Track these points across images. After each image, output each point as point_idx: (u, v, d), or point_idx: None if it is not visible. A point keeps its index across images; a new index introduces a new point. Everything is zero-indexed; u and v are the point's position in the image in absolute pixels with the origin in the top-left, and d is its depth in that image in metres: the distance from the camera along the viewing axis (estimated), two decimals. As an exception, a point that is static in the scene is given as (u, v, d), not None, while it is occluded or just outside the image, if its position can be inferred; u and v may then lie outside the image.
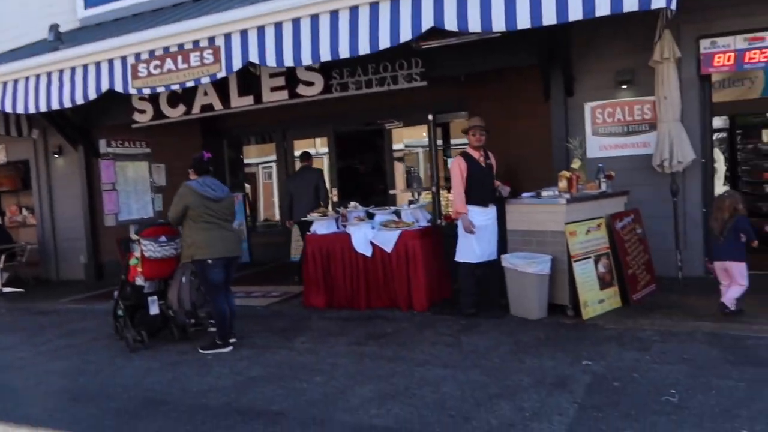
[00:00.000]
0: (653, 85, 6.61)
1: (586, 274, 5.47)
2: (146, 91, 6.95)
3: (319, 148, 11.35)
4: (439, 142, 10.04)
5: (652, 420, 3.28)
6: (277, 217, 11.52)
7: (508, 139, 7.84)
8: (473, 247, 5.72)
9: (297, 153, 10.92)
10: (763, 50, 6.30)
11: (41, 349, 5.92)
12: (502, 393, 3.79)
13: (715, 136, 8.45)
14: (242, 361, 4.91)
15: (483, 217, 5.75)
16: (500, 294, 5.93)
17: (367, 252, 6.16)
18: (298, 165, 10.88)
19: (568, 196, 5.49)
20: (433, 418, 3.49)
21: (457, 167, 5.71)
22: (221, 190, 5.34)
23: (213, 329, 5.52)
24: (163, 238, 5.55)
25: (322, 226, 6.54)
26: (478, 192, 5.72)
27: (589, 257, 5.54)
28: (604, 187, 5.95)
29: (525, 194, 5.94)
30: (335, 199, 10.35)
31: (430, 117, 9.52)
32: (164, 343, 5.65)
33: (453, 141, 11.63)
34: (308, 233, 6.65)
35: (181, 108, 8.86)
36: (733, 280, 5.13)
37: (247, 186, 11.80)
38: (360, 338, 5.32)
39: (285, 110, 9.85)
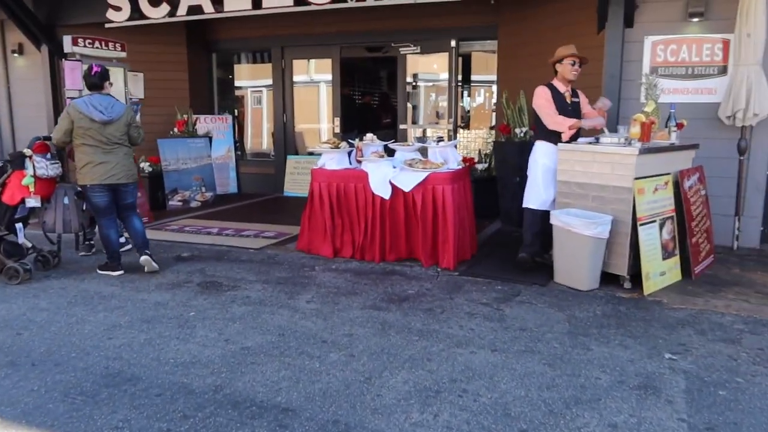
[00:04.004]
0: (730, 21, 5.57)
1: (650, 241, 4.57)
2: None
3: (315, 73, 10.13)
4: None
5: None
6: (266, 146, 10.40)
7: (546, 75, 6.76)
8: (540, 191, 4.92)
9: (297, 77, 9.71)
10: None
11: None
12: (579, 397, 2.92)
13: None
14: (234, 323, 3.96)
15: (552, 158, 4.95)
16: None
17: (386, 194, 5.16)
18: (298, 90, 9.72)
19: (639, 145, 4.50)
20: None
21: (541, 94, 4.95)
22: (111, 111, 4.88)
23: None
24: (49, 155, 5.04)
25: (332, 160, 5.49)
26: (555, 131, 4.92)
27: (654, 221, 4.63)
28: (673, 137, 4.97)
29: (582, 139, 4.95)
30: (337, 130, 9.24)
31: (453, 44, 8.36)
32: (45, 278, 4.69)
33: (474, 77, 10.52)
34: (314, 167, 5.61)
35: (165, 8, 7.54)
36: None
37: (237, 111, 10.59)
38: (378, 300, 4.40)
39: (286, 22, 8.61)
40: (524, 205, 5.10)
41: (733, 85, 5.56)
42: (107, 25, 8.03)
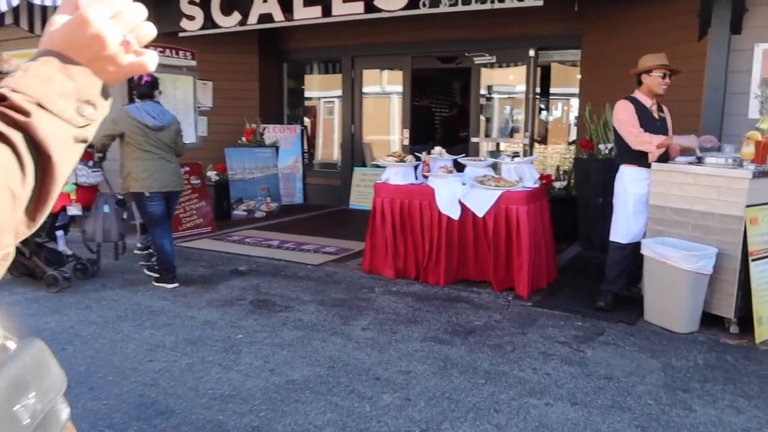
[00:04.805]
0: None
1: (764, 279, 3.90)
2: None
3: (386, 84, 9.83)
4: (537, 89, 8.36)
5: None
6: (336, 157, 10.18)
7: (633, 87, 6.12)
8: (630, 223, 4.30)
9: (366, 88, 9.45)
10: None
11: None
12: (683, 475, 2.38)
13: None
14: (282, 350, 3.63)
15: (643, 184, 4.32)
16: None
17: (455, 214, 4.72)
18: (367, 101, 9.47)
19: (753, 167, 3.86)
20: None
21: (623, 109, 4.32)
22: (163, 118, 4.84)
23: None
24: (91, 163, 5.00)
25: (397, 174, 5.11)
26: (642, 151, 4.27)
27: (769, 255, 3.96)
28: (793, 158, 4.27)
29: (680, 158, 4.34)
30: (406, 143, 8.89)
31: (532, 53, 7.84)
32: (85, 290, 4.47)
33: (553, 89, 9.94)
34: (378, 182, 5.25)
35: (236, 17, 7.43)
36: None
37: (307, 121, 10.45)
38: (440, 331, 3.96)
39: (357, 32, 8.36)
40: (611, 239, 4.49)
41: None
42: (181, 34, 8.04)
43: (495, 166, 5.11)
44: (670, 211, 4.19)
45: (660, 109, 4.43)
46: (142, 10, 0.73)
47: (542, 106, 9.79)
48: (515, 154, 5.20)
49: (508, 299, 4.61)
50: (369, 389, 3.10)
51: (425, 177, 5.07)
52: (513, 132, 9.58)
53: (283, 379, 3.22)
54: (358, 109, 9.43)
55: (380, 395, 3.03)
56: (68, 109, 0.68)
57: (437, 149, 5.23)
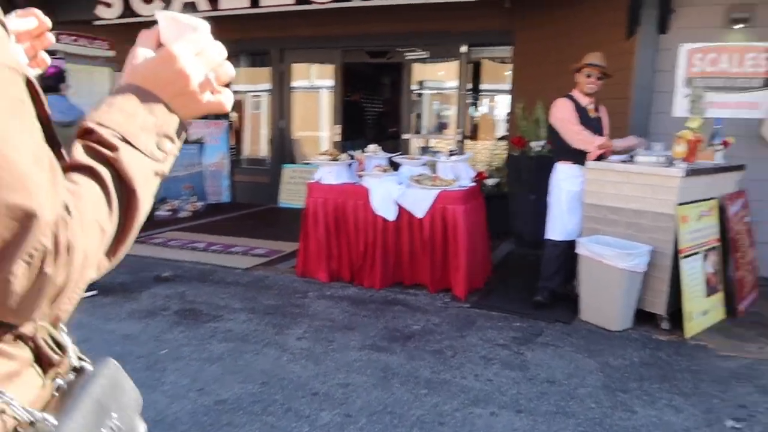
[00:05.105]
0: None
1: (693, 275, 3.99)
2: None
3: (316, 78, 9.57)
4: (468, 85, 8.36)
5: None
6: (264, 153, 9.83)
7: (563, 86, 6.18)
8: (564, 220, 4.30)
9: (296, 82, 9.16)
10: None
11: None
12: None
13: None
14: (211, 365, 3.37)
15: (576, 181, 4.32)
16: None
17: (390, 215, 4.58)
18: (297, 96, 9.18)
19: (684, 165, 3.93)
20: None
21: (563, 107, 4.29)
22: (70, 113, 4.38)
23: None
24: None
25: (330, 173, 4.91)
26: (578, 149, 4.27)
27: (698, 252, 4.05)
28: (719, 157, 4.41)
29: (614, 157, 4.38)
30: (338, 138, 8.69)
31: (464, 49, 7.82)
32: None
33: (484, 86, 9.99)
34: (310, 181, 5.04)
35: (158, 4, 6.99)
36: None
37: (233, 115, 10.03)
38: (378, 337, 3.81)
39: (286, 24, 8.07)
40: (546, 237, 4.49)
41: (781, 100, 4.99)
42: (96, 23, 7.49)
43: (431, 164, 5.00)
44: (605, 209, 4.22)
45: (596, 109, 4.45)
46: (223, 50, 0.75)
47: (472, 101, 9.82)
48: (452, 152, 5.11)
49: (446, 301, 4.52)
50: (306, 406, 2.90)
51: (359, 176, 4.90)
52: (443, 128, 9.55)
53: (213, 399, 2.97)
54: (288, 103, 9.13)
55: (319, 413, 2.84)
56: (150, 144, 0.69)
57: (372, 147, 5.08)
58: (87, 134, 0.68)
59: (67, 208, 0.60)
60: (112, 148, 0.66)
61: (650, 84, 5.48)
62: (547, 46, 6.83)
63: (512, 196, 6.60)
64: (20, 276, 0.58)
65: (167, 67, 0.70)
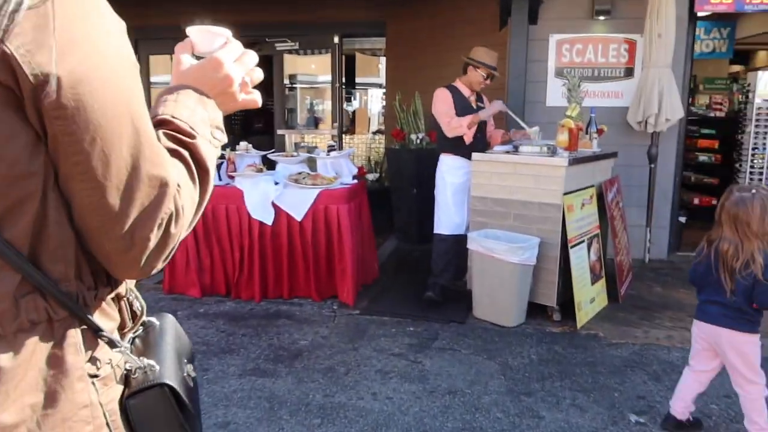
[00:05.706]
0: (636, 20, 5.23)
1: (580, 265, 3.97)
2: None
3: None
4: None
5: None
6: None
7: (440, 77, 6.03)
8: (451, 214, 4.13)
9: (155, 77, 8.32)
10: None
11: None
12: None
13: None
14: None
15: (460, 173, 4.16)
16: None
17: (268, 219, 4.14)
18: (156, 91, 8.34)
19: (567, 154, 3.88)
20: None
21: (441, 99, 4.13)
22: None
23: None
24: None
25: (196, 175, 4.35)
26: (460, 140, 4.10)
27: (583, 241, 4.05)
28: (595, 145, 4.45)
29: (498, 147, 4.27)
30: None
31: (336, 40, 7.49)
32: None
33: (359, 79, 9.73)
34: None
35: None
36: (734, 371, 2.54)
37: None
38: (261, 358, 3.38)
39: (142, 12, 7.25)
40: (435, 231, 4.30)
41: (644, 88, 5.17)
42: None
43: (310, 162, 4.61)
44: (491, 201, 4.09)
45: (479, 99, 4.31)
46: (256, 57, 0.95)
47: (347, 95, 9.55)
48: (331, 148, 4.76)
49: (333, 309, 4.17)
50: (177, 457, 2.42)
51: (231, 177, 4.40)
52: (318, 123, 9.19)
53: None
54: (146, 99, 8.26)
55: (192, 464, 2.38)
56: (207, 134, 0.84)
57: (243, 144, 4.59)
58: (164, 124, 0.80)
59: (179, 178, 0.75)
60: (191, 136, 0.80)
61: (524, 74, 5.48)
62: (420, 37, 6.69)
63: (394, 191, 6.39)
64: (155, 235, 0.73)
65: (215, 71, 0.88)
